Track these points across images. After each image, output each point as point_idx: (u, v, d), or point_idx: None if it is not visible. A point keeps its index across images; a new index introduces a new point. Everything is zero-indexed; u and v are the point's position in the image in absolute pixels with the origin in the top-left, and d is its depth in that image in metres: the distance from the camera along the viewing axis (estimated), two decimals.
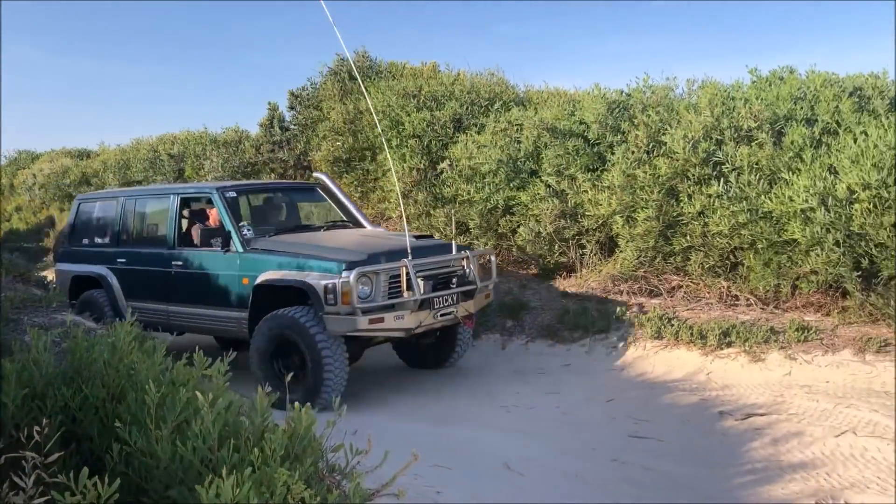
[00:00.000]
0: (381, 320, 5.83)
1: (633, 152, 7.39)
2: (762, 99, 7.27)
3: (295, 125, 12.61)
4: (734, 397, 5.64)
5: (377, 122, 8.21)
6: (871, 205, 6.07)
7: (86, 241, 8.01)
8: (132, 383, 2.76)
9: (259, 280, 6.18)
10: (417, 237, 6.55)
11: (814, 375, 5.96)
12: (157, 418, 2.45)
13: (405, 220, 6.86)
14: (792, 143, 6.80)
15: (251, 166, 12.28)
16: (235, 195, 7.02)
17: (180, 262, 6.91)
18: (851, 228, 6.20)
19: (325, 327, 5.75)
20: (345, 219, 7.63)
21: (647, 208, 7.25)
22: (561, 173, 8.11)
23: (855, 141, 6.53)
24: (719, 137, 7.13)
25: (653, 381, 6.30)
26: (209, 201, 7.02)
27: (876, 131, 6.55)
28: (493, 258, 6.92)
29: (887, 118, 6.92)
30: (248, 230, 6.56)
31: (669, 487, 4.11)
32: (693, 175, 7.06)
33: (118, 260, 7.51)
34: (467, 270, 6.44)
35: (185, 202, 7.23)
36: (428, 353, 7.17)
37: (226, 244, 6.51)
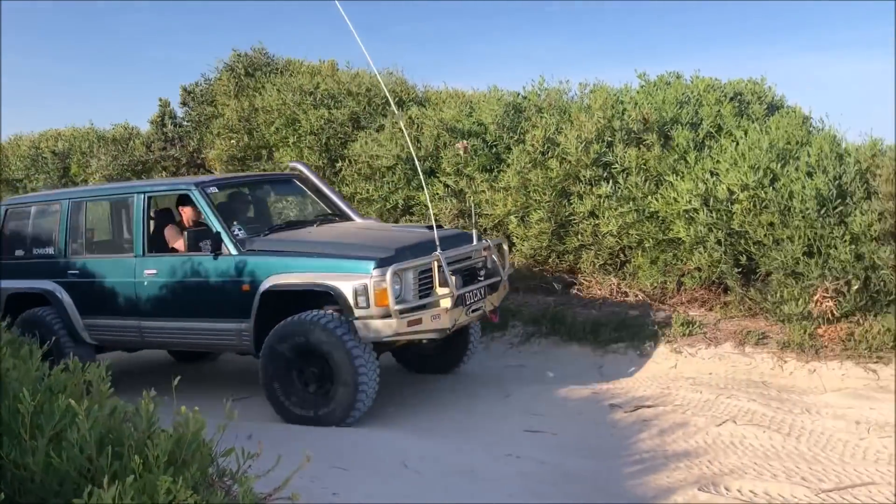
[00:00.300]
0: (419, 321, 5.28)
1: (528, 153, 7.54)
2: (650, 103, 7.55)
3: (188, 122, 12.21)
4: (624, 390, 5.84)
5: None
6: (750, 205, 6.42)
7: (20, 252, 6.88)
8: (4, 391, 2.60)
9: (267, 286, 5.49)
10: (428, 228, 5.81)
11: (698, 368, 6.25)
12: (33, 428, 2.32)
13: (433, 217, 6.02)
14: (677, 145, 7.11)
15: (142, 164, 11.82)
16: (217, 190, 6.23)
17: (154, 271, 6.07)
18: (732, 227, 6.55)
19: (355, 334, 5.21)
20: (328, 211, 6.79)
21: (539, 209, 7.42)
22: (460, 173, 8.18)
23: (735, 144, 6.88)
24: (610, 139, 7.37)
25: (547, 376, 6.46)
26: (183, 199, 6.36)
27: (754, 135, 6.93)
28: (505, 246, 6.49)
29: (764, 122, 7.33)
30: (240, 230, 5.87)
31: (561, 480, 4.20)
32: (584, 176, 7.27)
33: (69, 272, 6.49)
34: (489, 261, 5.97)
35: (153, 202, 6.43)
36: (435, 356, 6.54)
37: (216, 247, 5.75)
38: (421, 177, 6.31)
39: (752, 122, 7.36)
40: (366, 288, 5.15)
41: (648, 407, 5.38)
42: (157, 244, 6.25)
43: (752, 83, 7.93)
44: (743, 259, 6.59)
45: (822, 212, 6.25)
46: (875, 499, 3.68)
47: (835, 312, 6.13)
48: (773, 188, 6.45)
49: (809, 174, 6.49)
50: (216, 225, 5.83)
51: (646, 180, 7.03)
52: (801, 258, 6.27)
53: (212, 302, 5.80)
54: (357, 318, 5.18)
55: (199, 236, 5.83)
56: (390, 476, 4.24)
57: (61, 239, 6.60)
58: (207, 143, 11.24)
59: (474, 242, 5.93)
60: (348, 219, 6.64)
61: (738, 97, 7.74)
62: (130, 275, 6.18)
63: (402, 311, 5.15)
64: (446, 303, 5.35)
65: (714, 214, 6.51)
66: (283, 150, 9.74)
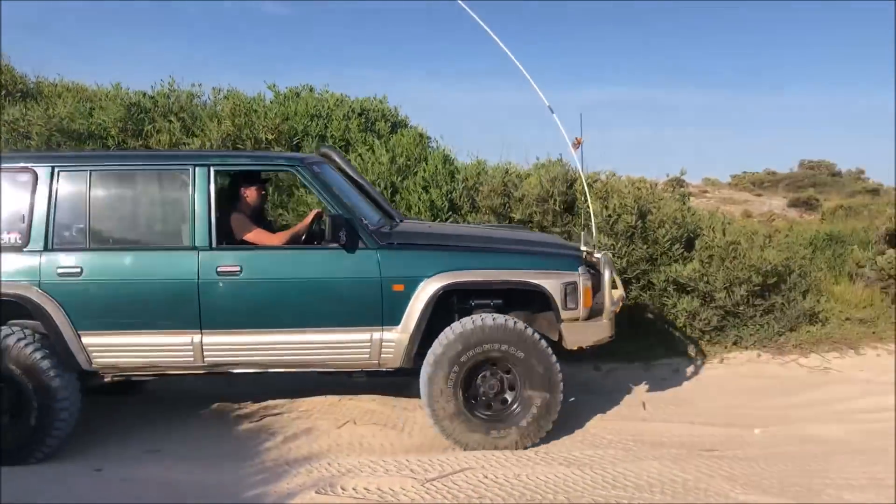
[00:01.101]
0: None
1: None
2: (280, 113, 7.62)
3: None
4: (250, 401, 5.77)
5: None
6: None
7: None
8: None
9: (438, 284, 4.61)
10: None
11: None
12: None
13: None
14: None
15: None
16: (320, 170, 5.02)
17: (236, 268, 4.63)
18: None
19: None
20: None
21: None
22: None
23: (360, 157, 7.24)
24: (241, 147, 7.27)
25: (181, 396, 6.14)
26: (248, 178, 5.09)
27: (378, 150, 7.35)
28: None
29: (388, 139, 7.82)
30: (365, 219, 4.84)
31: (178, 497, 4.00)
32: None
33: (59, 271, 4.59)
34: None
35: (225, 178, 5.01)
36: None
37: (352, 239, 4.63)
38: None
39: (378, 138, 7.82)
40: (576, 287, 4.71)
41: (275, 415, 5.38)
42: (224, 233, 4.83)
43: (377, 101, 8.43)
44: None
45: (436, 222, 6.83)
46: (469, 482, 4.07)
47: None
48: (394, 200, 6.91)
49: (426, 188, 7.08)
50: (341, 210, 4.71)
51: (275, 190, 7.06)
52: None
53: (336, 306, 4.65)
54: (565, 320, 4.73)
55: (338, 224, 4.58)
56: None
57: (37, 220, 4.63)
58: None
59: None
60: (388, 213, 5.58)
61: (365, 114, 8.16)
62: (188, 273, 4.61)
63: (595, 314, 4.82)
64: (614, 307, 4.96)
65: None
66: None
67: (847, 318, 7.64)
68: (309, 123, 7.60)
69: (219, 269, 4.61)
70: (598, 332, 4.83)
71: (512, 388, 4.71)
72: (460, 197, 7.22)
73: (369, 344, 4.67)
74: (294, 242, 5.00)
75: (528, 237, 5.59)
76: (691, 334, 6.95)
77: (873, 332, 7.33)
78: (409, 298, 4.64)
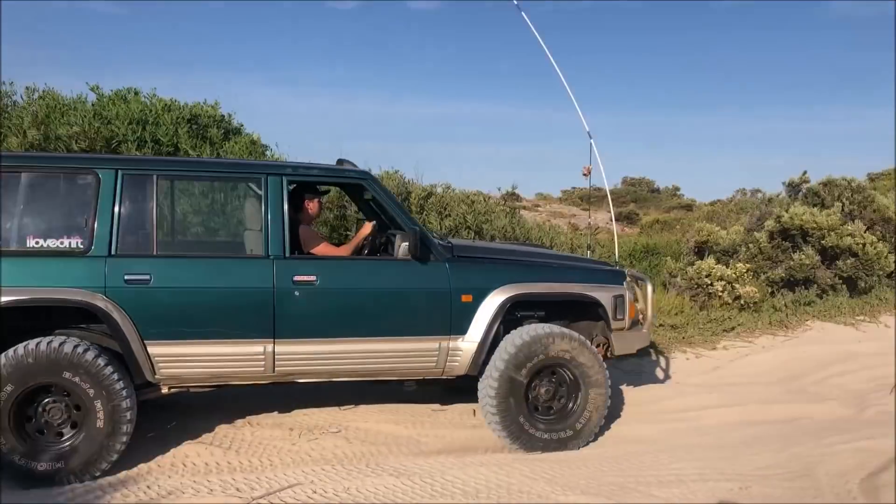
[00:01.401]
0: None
1: None
2: (100, 116, 7.20)
3: None
4: None
5: None
6: None
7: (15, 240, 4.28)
8: None
9: (505, 296, 4.87)
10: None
11: None
12: None
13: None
14: None
15: None
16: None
17: (312, 277, 4.60)
18: None
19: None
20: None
21: None
22: None
23: None
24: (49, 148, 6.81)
25: None
26: (309, 190, 5.13)
27: (212, 156, 7.12)
28: None
29: (222, 146, 7.59)
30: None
31: None
32: None
33: (126, 277, 4.34)
34: None
35: (294, 189, 4.96)
36: None
37: (425, 251, 4.81)
38: None
39: (210, 145, 7.57)
40: (624, 299, 5.19)
41: None
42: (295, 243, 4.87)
43: (210, 107, 8.16)
44: None
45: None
46: (297, 499, 4.01)
47: None
48: None
49: None
50: (409, 222, 4.88)
51: None
52: None
53: (409, 316, 4.78)
54: (615, 329, 5.20)
55: (426, 238, 4.86)
56: None
57: (102, 225, 4.36)
58: None
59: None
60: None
61: (196, 120, 7.88)
62: (264, 282, 4.54)
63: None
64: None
65: None
66: None
67: (661, 325, 8.23)
68: (136, 128, 7.23)
69: (295, 279, 4.59)
70: (641, 340, 5.50)
71: (570, 391, 5.03)
72: None
73: (437, 352, 4.84)
74: (356, 254, 5.11)
75: (563, 255, 6.19)
76: None
77: (683, 338, 7.94)
78: (476, 309, 4.87)
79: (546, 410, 5.01)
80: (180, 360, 4.48)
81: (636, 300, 5.57)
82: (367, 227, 5.19)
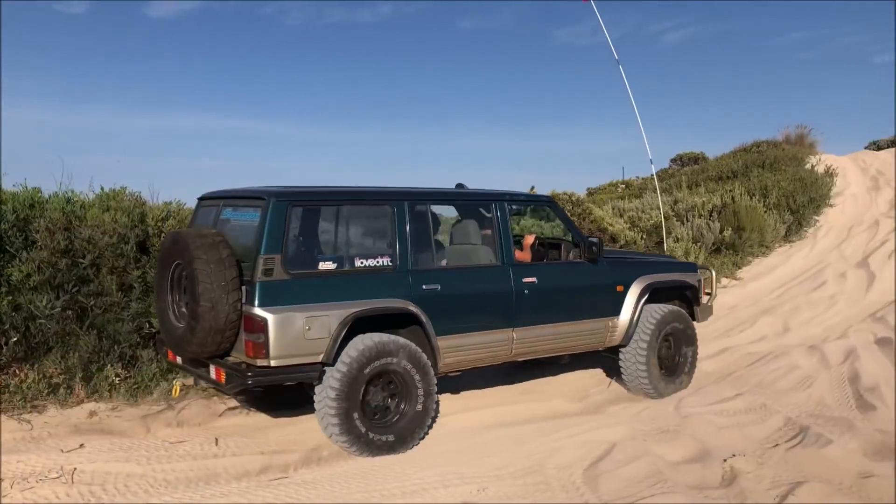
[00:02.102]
0: None
1: None
2: None
3: None
4: None
5: None
6: None
7: (325, 262, 5.30)
8: None
9: (643, 284, 6.73)
10: None
11: None
12: None
13: None
14: None
15: None
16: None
17: (533, 279, 6.11)
18: None
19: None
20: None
21: None
22: None
23: None
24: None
25: None
26: (501, 211, 6.17)
27: None
28: None
29: None
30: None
31: None
32: None
33: (423, 287, 5.53)
34: None
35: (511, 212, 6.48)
36: None
37: (598, 254, 6.53)
38: None
39: None
40: (701, 283, 7.34)
41: None
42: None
43: None
44: None
45: None
46: None
47: None
48: None
49: None
50: (578, 235, 6.66)
51: None
52: None
53: (590, 304, 6.47)
54: (698, 306, 7.33)
55: (593, 246, 6.49)
56: None
57: (402, 246, 5.56)
58: None
59: None
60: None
61: None
62: (507, 284, 5.99)
63: None
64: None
65: None
66: None
67: None
68: None
69: (524, 280, 6.05)
70: (710, 312, 7.57)
71: (678, 350, 7.01)
72: (9, 231, 6.37)
73: (605, 329, 6.58)
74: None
75: (653, 254, 9.05)
76: None
77: None
78: (625, 295, 6.68)
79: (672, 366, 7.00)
80: (456, 350, 5.73)
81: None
82: (531, 238, 6.80)
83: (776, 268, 13.84)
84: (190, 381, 6.27)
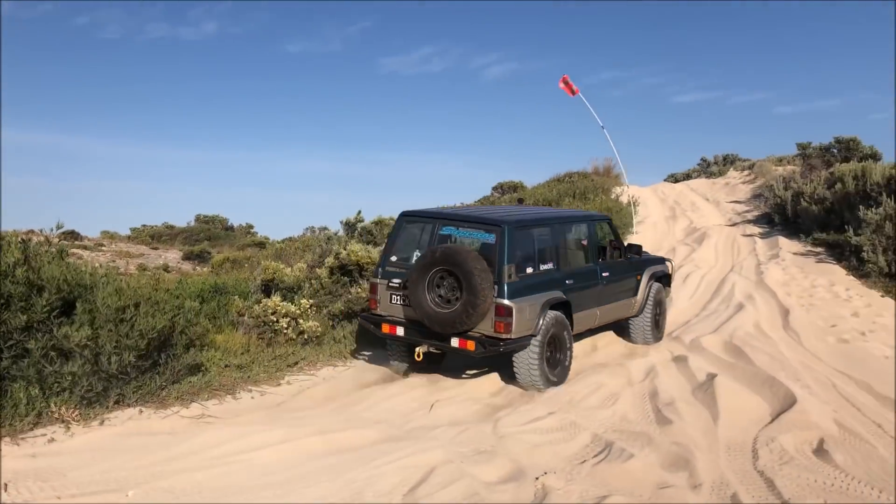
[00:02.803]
0: None
1: None
2: None
3: None
4: None
5: None
6: None
7: (528, 269, 8.02)
8: None
9: (650, 273, 10.10)
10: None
11: None
12: None
13: None
14: None
15: None
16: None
17: (606, 274, 9.19)
18: None
19: None
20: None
21: None
22: None
23: None
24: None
25: None
26: (590, 227, 9.43)
27: None
28: None
29: None
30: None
31: None
32: None
33: (566, 282, 8.43)
34: None
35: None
36: None
37: (633, 254, 9.83)
38: None
39: None
40: (671, 269, 11.17)
41: None
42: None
43: None
44: None
45: None
46: None
47: None
48: None
49: None
50: (621, 242, 9.83)
51: None
52: None
53: (628, 288, 9.68)
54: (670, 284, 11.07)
55: (635, 249, 9.97)
56: None
57: (558, 255, 8.64)
58: None
59: None
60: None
61: None
62: (597, 278, 9.02)
63: None
64: None
65: None
66: None
67: (227, 365, 8.15)
68: None
69: (603, 275, 9.13)
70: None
71: (661, 311, 10.30)
72: None
73: (632, 305, 9.73)
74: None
75: (643, 256, 10.29)
76: (69, 399, 6.48)
77: (248, 377, 7.96)
78: (640, 282, 9.81)
79: (657, 322, 10.30)
80: (580, 322, 8.70)
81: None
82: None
83: None
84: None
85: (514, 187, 29.78)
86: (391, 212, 14.97)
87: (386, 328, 8.11)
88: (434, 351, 8.06)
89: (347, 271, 10.69)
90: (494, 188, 31.15)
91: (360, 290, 10.37)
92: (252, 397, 7.56)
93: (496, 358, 8.14)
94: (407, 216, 8.44)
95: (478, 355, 7.76)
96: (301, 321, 9.52)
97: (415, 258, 8.09)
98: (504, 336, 7.45)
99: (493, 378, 8.29)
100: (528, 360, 7.72)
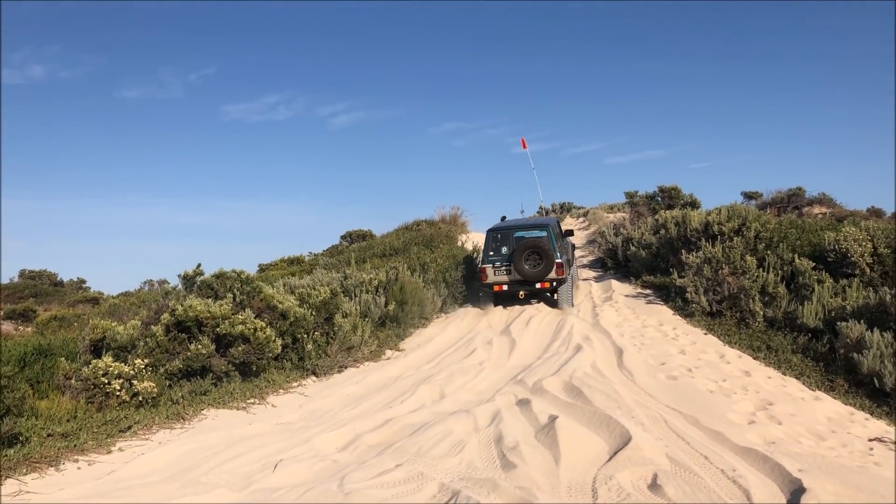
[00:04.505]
0: None
1: None
2: None
3: None
4: None
5: None
6: None
7: (557, 244, 16.98)
8: None
9: (571, 242, 20.83)
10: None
11: None
12: None
13: None
14: None
15: None
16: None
17: (567, 244, 18.50)
18: None
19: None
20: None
21: None
22: None
23: None
24: None
25: None
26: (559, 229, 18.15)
27: None
28: None
29: None
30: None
31: None
32: None
33: (570, 251, 18.62)
34: None
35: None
36: None
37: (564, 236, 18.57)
38: None
39: None
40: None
41: None
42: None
43: None
44: None
45: None
46: None
47: None
48: None
49: None
50: (561, 229, 21.22)
51: None
52: None
53: (569, 250, 18.77)
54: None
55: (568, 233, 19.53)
56: None
57: (562, 239, 18.50)
58: None
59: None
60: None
61: None
62: (569, 246, 18.95)
63: None
64: None
65: None
66: None
67: (50, 434, 7.53)
68: None
69: (556, 262, 16.59)
70: None
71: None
72: None
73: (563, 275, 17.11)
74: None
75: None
76: None
77: (75, 445, 7.38)
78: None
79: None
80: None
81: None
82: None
83: (434, 338, 14.82)
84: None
85: (363, 235, 29.86)
86: (235, 263, 14.51)
87: (497, 288, 16.55)
88: (527, 290, 16.35)
89: (186, 328, 10.21)
90: (343, 237, 31.08)
91: (199, 346, 9.93)
92: (79, 468, 6.99)
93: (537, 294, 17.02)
94: (492, 231, 16.91)
95: (550, 291, 16.48)
96: (136, 382, 8.98)
97: (503, 251, 16.44)
98: (560, 277, 16.03)
99: (342, 433, 8.14)
100: (567, 289, 16.37)
